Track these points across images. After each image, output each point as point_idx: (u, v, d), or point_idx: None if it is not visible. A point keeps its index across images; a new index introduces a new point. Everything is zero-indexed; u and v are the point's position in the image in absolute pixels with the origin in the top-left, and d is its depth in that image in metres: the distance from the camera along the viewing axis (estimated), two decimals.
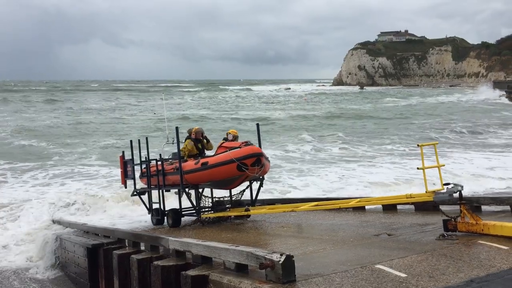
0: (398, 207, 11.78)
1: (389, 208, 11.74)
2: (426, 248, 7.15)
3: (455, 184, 8.00)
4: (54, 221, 15.16)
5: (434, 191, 8.33)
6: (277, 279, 5.78)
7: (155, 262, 7.93)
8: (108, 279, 10.18)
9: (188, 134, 13.34)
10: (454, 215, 8.03)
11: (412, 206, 11.49)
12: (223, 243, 7.32)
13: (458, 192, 7.92)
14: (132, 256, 8.85)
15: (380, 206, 12.03)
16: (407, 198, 9.08)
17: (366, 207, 12.27)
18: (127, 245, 10.11)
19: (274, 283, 5.82)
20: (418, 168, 8.46)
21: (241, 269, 6.48)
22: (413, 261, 6.50)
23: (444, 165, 8.85)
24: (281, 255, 5.82)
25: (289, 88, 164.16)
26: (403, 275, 5.96)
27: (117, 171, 25.10)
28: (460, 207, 7.87)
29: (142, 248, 9.46)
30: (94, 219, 16.13)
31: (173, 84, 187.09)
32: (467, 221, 7.80)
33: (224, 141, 12.72)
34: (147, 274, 8.28)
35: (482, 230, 7.59)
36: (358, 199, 10.43)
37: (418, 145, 8.46)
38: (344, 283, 5.80)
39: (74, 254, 11.81)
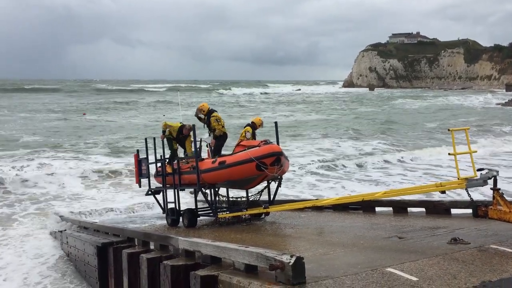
0: (409, 209, 11.67)
1: (400, 211, 11.64)
2: (437, 252, 7.07)
3: (489, 170, 7.49)
4: (62, 219, 15.24)
5: (466, 178, 7.66)
6: (287, 281, 5.75)
7: (165, 262, 7.94)
8: (117, 277, 10.21)
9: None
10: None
11: (423, 209, 11.39)
12: (233, 243, 7.31)
13: (493, 178, 7.44)
14: (142, 255, 8.87)
15: (391, 209, 11.90)
16: (436, 187, 8.22)
17: (377, 209, 12.19)
18: (136, 244, 10.14)
19: (284, 284, 5.78)
20: (449, 154, 8.03)
21: (250, 270, 6.46)
22: (425, 265, 6.44)
23: (476, 151, 8.36)
24: (291, 256, 5.79)
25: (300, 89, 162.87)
26: (415, 278, 5.91)
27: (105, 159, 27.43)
28: (494, 193, 7.46)
29: (152, 247, 9.48)
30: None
31: (186, 84, 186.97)
32: (500, 208, 7.43)
33: (244, 135, 12.38)
34: (156, 274, 8.30)
35: None
36: (384, 191, 9.55)
37: (449, 130, 8.01)
38: (355, 285, 5.75)
39: (83, 252, 11.86)
